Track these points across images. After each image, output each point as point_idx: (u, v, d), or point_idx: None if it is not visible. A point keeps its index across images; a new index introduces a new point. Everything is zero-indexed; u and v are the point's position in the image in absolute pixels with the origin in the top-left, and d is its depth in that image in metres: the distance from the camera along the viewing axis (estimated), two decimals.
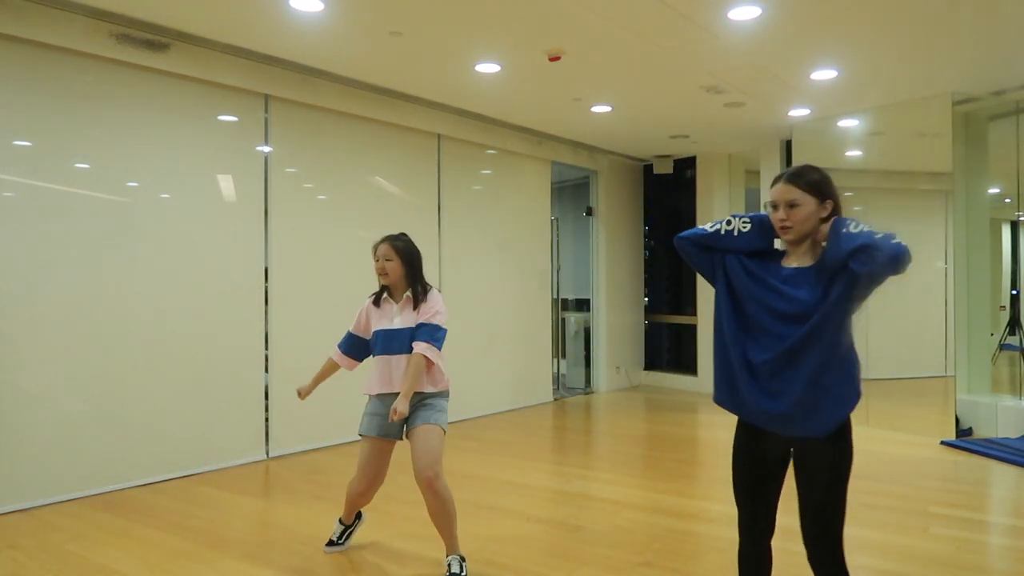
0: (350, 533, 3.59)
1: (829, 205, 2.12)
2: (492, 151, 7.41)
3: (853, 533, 3.66)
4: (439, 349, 3.20)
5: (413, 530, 3.79)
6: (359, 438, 3.34)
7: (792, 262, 2.15)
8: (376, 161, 6.26)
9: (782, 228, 2.14)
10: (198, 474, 4.94)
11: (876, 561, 3.38)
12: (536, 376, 8.00)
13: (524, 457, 5.56)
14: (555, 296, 8.56)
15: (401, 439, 3.31)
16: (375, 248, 3.32)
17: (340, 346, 3.49)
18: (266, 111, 5.44)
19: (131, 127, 4.71)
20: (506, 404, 7.53)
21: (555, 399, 8.23)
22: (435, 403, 3.23)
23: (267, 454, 5.40)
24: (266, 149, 5.46)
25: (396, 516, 4.06)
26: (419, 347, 3.14)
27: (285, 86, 5.43)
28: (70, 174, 4.45)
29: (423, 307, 3.24)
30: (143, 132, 4.76)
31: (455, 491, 4.54)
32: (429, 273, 6.59)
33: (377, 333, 3.30)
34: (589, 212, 8.90)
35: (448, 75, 5.65)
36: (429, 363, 3.17)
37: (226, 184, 5.21)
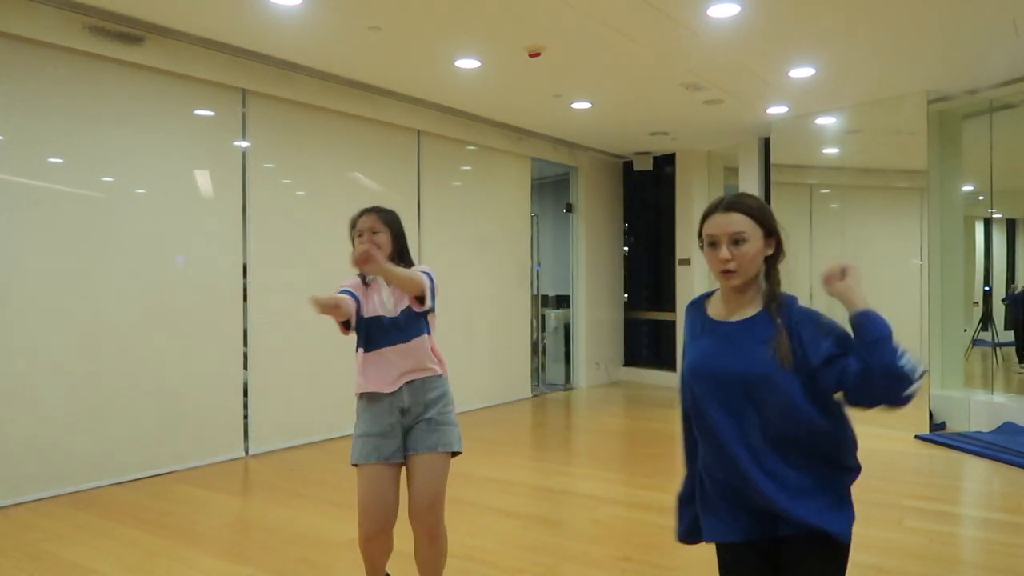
0: None
1: (773, 242, 1.72)
2: (472, 147, 7.40)
3: None
4: (432, 286, 2.57)
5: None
6: (354, 466, 2.61)
7: (733, 314, 1.74)
8: (355, 157, 6.23)
9: (725, 272, 1.68)
10: (176, 472, 4.89)
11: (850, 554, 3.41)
12: (516, 372, 8.01)
13: (504, 453, 5.57)
14: (535, 292, 8.57)
15: (400, 461, 2.62)
16: (354, 221, 2.67)
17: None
18: (244, 106, 5.38)
19: (106, 121, 4.64)
20: (486, 400, 7.53)
21: (535, 395, 8.25)
22: (445, 412, 2.63)
23: (246, 451, 5.36)
24: (244, 144, 5.41)
25: None
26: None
27: (263, 81, 5.38)
28: (43, 169, 4.38)
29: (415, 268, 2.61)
30: (118, 126, 4.70)
31: None
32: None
33: (370, 321, 2.59)
34: (569, 209, 8.91)
35: (428, 71, 5.63)
36: (419, 290, 2.52)
37: (203, 179, 5.16)
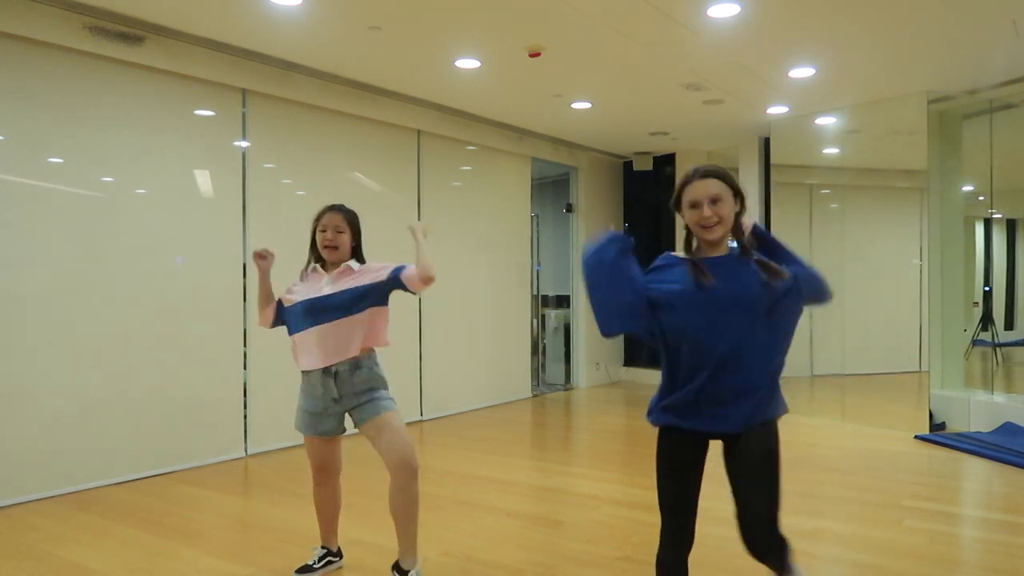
0: (328, 561, 3.23)
1: (739, 201, 2.08)
2: (472, 147, 7.40)
3: (828, 526, 3.71)
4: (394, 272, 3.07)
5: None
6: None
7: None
8: (355, 157, 6.23)
9: (706, 227, 2.02)
10: (175, 472, 4.89)
11: (850, 553, 3.42)
12: (516, 372, 8.01)
13: (503, 453, 5.57)
14: (535, 292, 8.57)
15: (340, 434, 3.07)
16: (319, 217, 3.07)
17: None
18: (244, 106, 5.38)
19: (105, 121, 4.64)
20: (485, 400, 7.53)
21: (534, 395, 8.25)
22: (377, 389, 2.97)
23: (246, 451, 5.36)
24: (244, 144, 5.41)
25: (372, 512, 4.04)
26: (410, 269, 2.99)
27: (263, 80, 5.38)
28: (43, 169, 4.38)
29: (372, 265, 3.05)
30: (118, 126, 4.70)
31: (435, 487, 4.56)
32: None
33: (301, 304, 3.01)
34: (569, 209, 8.91)
35: (428, 70, 5.63)
36: (421, 282, 3.01)
37: (203, 179, 5.16)
